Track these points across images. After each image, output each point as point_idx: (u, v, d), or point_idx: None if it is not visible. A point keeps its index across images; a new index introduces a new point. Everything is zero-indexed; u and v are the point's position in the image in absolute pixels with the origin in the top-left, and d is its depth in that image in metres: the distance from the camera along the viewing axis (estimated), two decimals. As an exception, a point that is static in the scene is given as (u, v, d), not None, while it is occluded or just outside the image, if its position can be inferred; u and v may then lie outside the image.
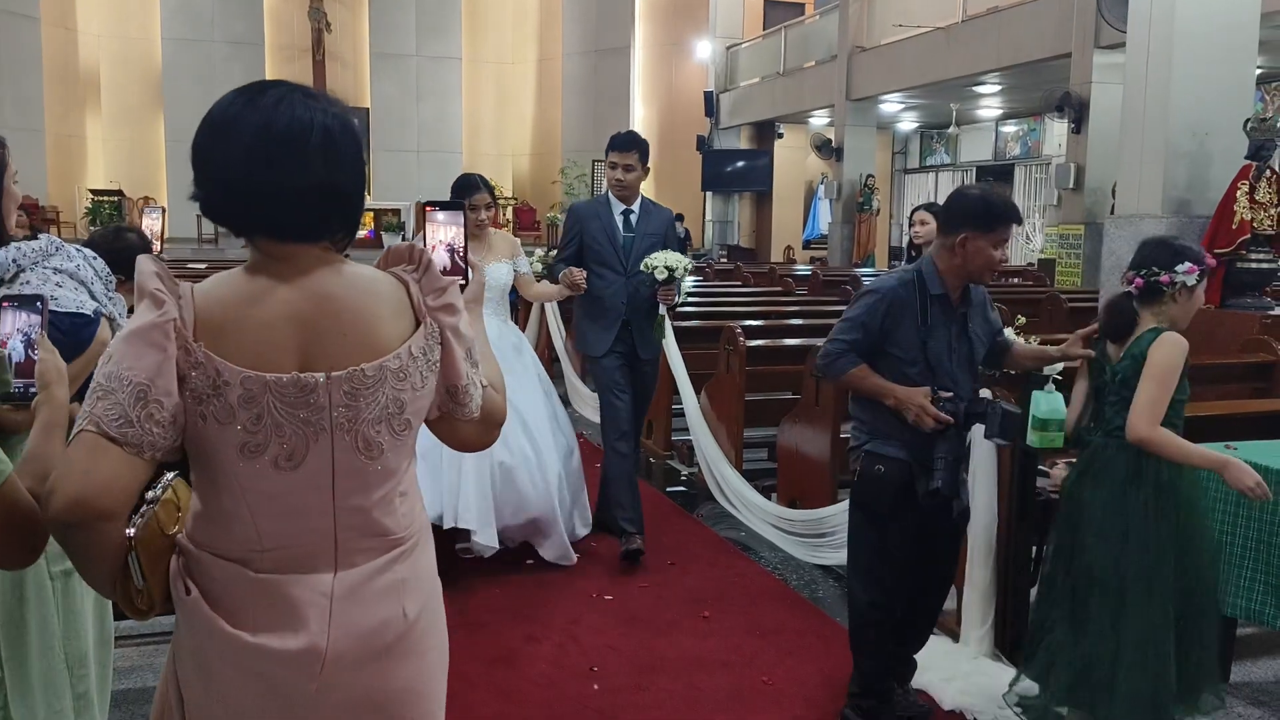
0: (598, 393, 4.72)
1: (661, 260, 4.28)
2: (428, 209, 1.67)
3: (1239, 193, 5.57)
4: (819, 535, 4.44)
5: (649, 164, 4.56)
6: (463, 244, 1.65)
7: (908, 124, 20.51)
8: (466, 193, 4.27)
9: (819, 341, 5.03)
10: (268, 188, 1.34)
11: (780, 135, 20.17)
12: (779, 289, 10.04)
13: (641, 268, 4.33)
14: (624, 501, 4.42)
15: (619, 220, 4.50)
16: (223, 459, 1.34)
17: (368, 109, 20.95)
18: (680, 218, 4.91)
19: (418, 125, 21.92)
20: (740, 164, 20.14)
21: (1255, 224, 5.55)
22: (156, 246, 2.54)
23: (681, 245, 4.50)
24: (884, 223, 19.73)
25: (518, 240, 4.75)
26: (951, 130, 18.59)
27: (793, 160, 20.68)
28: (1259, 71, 7.78)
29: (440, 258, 1.62)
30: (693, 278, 4.22)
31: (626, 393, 4.48)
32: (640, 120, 22.02)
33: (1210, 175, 5.83)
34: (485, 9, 22.92)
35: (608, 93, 21.90)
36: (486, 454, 3.94)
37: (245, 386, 1.32)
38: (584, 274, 4.32)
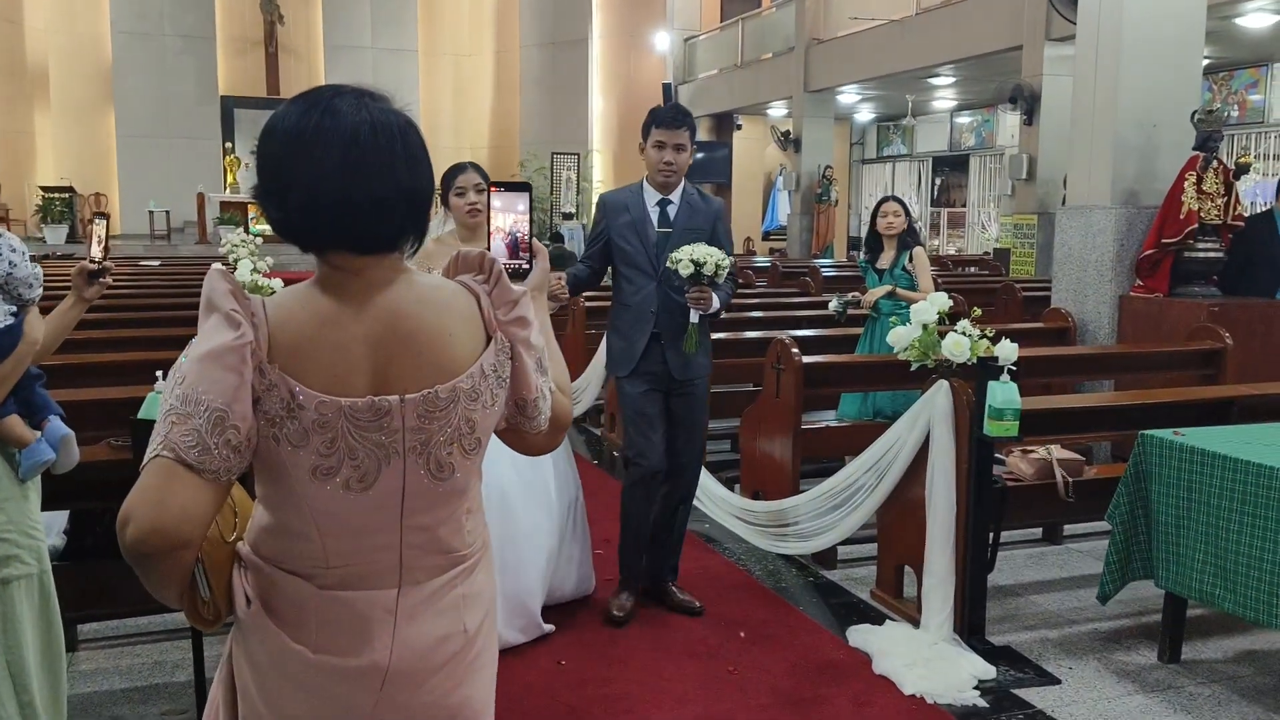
0: (622, 424, 3.97)
1: (687, 254, 3.56)
2: (491, 189, 1.59)
3: (1186, 183, 5.67)
4: (782, 526, 4.49)
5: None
6: (526, 228, 1.58)
7: (865, 115, 20.67)
8: (454, 174, 3.72)
9: (779, 334, 5.12)
10: (358, 197, 1.29)
11: (739, 127, 20.26)
12: (739, 281, 10.09)
13: (668, 264, 3.62)
14: (627, 555, 3.87)
15: (654, 213, 3.78)
16: (293, 480, 1.32)
17: (323, 102, 20.73)
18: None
19: (374, 118, 21.72)
20: (699, 155, 20.02)
21: (1202, 214, 5.66)
22: (100, 254, 2.52)
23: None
24: (843, 213, 19.88)
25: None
26: (907, 121, 18.77)
27: (751, 152, 20.77)
28: (1205, 62, 7.94)
29: (498, 247, 1.56)
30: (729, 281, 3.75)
31: (656, 429, 3.75)
32: (599, 112, 22.02)
33: (1158, 166, 5.94)
34: (441, 1, 22.75)
35: (566, 85, 21.86)
36: None
37: (320, 411, 1.29)
38: (561, 281, 3.63)
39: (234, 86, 20.92)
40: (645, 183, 3.81)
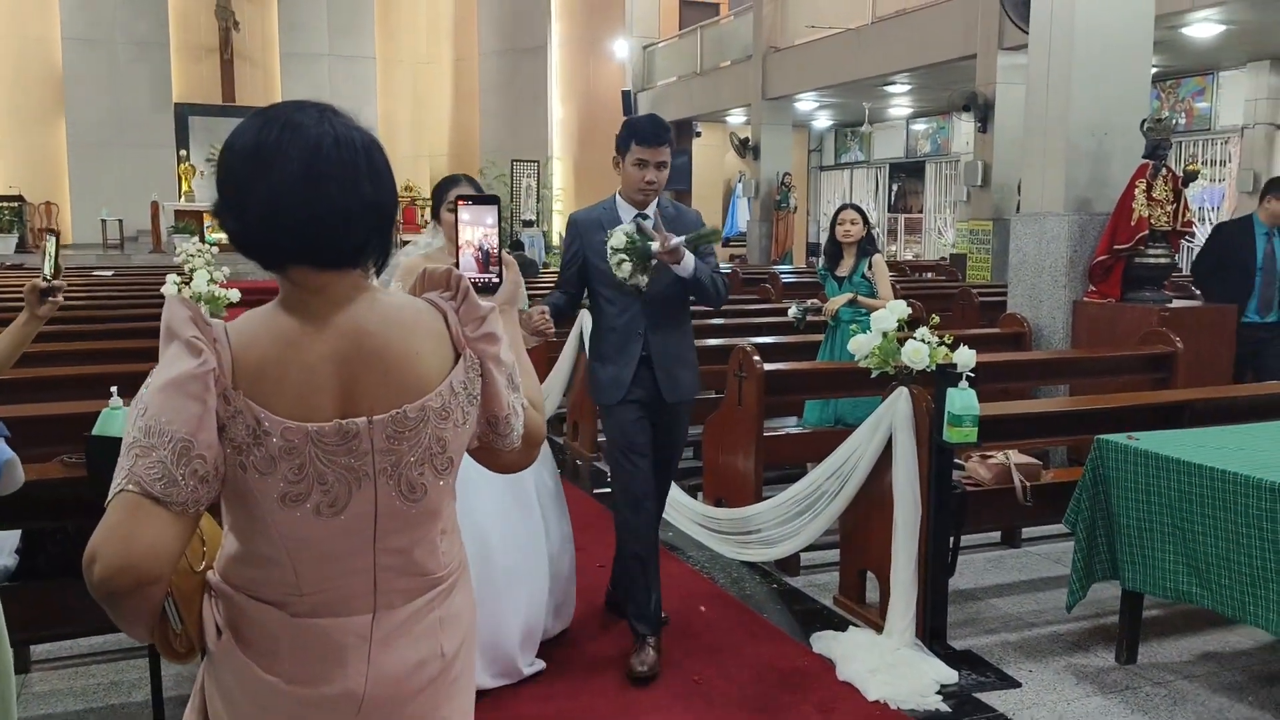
0: (607, 452, 3.75)
1: (622, 237, 3.41)
2: (459, 203, 1.57)
3: (1137, 190, 5.78)
4: (745, 533, 4.51)
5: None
6: (495, 241, 1.56)
7: (823, 122, 20.84)
8: (448, 187, 3.47)
9: (741, 341, 5.14)
10: (320, 212, 1.27)
11: (698, 134, 20.34)
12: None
13: (608, 252, 3.42)
14: (636, 595, 3.55)
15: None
16: (263, 507, 1.29)
17: (279, 110, 20.55)
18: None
19: (332, 126, 21.56)
20: (659, 163, 20.21)
21: (1153, 220, 5.77)
22: (51, 271, 2.50)
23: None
24: (801, 220, 20.03)
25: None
26: (864, 128, 18.95)
27: (711, 159, 20.87)
28: (1153, 71, 8.09)
29: (467, 261, 1.55)
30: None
31: (646, 456, 3.56)
32: (558, 120, 22.02)
33: (1110, 173, 6.05)
34: (399, 8, 22.64)
35: (525, 92, 21.84)
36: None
37: (286, 437, 1.26)
38: (545, 315, 3.36)
39: (188, 94, 20.67)
40: (619, 198, 3.57)
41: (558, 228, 20.24)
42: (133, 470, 1.21)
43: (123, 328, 6.23)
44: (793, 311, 5.76)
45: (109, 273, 12.36)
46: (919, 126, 19.60)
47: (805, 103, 17.81)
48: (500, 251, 1.57)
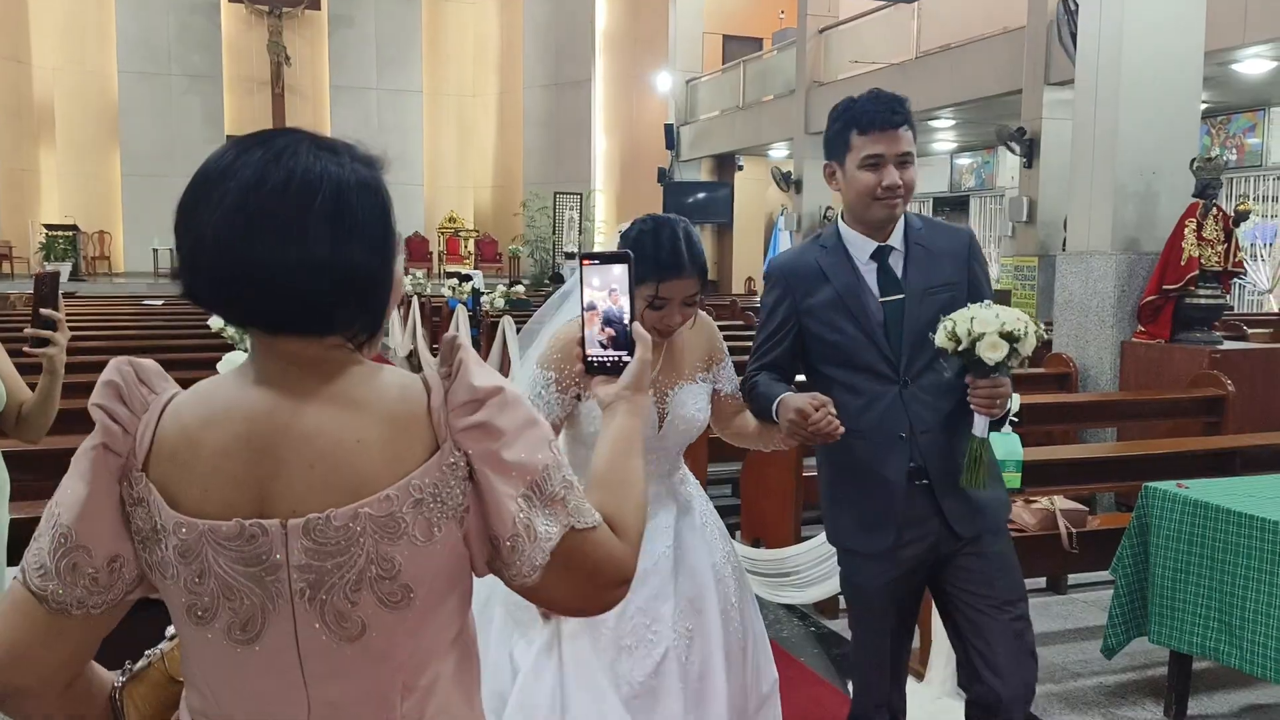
0: (851, 619, 2.53)
1: (967, 320, 2.12)
2: (584, 263, 1.27)
3: (1187, 230, 5.70)
4: (782, 575, 4.45)
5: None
6: (626, 309, 1.24)
7: (865, 156, 20.79)
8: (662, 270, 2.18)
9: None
10: (252, 265, 0.99)
11: (740, 167, 20.39)
12: (740, 322, 10.12)
13: (935, 341, 2.17)
14: None
15: (869, 274, 2.32)
16: (177, 622, 1.05)
17: (328, 142, 21.02)
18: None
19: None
20: (701, 196, 20.30)
21: (1203, 260, 5.68)
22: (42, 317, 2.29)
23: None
24: (843, 253, 19.94)
25: (716, 327, 2.47)
26: (908, 162, 18.82)
27: (753, 192, 20.89)
28: (1203, 107, 8.00)
29: (592, 334, 1.25)
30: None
31: (905, 647, 2.46)
32: (602, 153, 22.20)
33: (1158, 213, 5.97)
34: (445, 42, 23.02)
35: (569, 125, 22.05)
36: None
37: (179, 534, 1.00)
38: (827, 410, 2.12)
39: (240, 126, 21.10)
40: (843, 226, 2.37)
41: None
42: (26, 555, 1.02)
43: (172, 358, 6.33)
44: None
45: (159, 302, 12.61)
46: (963, 160, 19.50)
47: (848, 137, 17.78)
48: (631, 322, 1.24)
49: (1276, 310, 11.40)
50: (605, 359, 1.25)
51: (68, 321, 2.39)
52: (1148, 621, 3.44)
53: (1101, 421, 5.63)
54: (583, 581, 1.07)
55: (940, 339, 2.15)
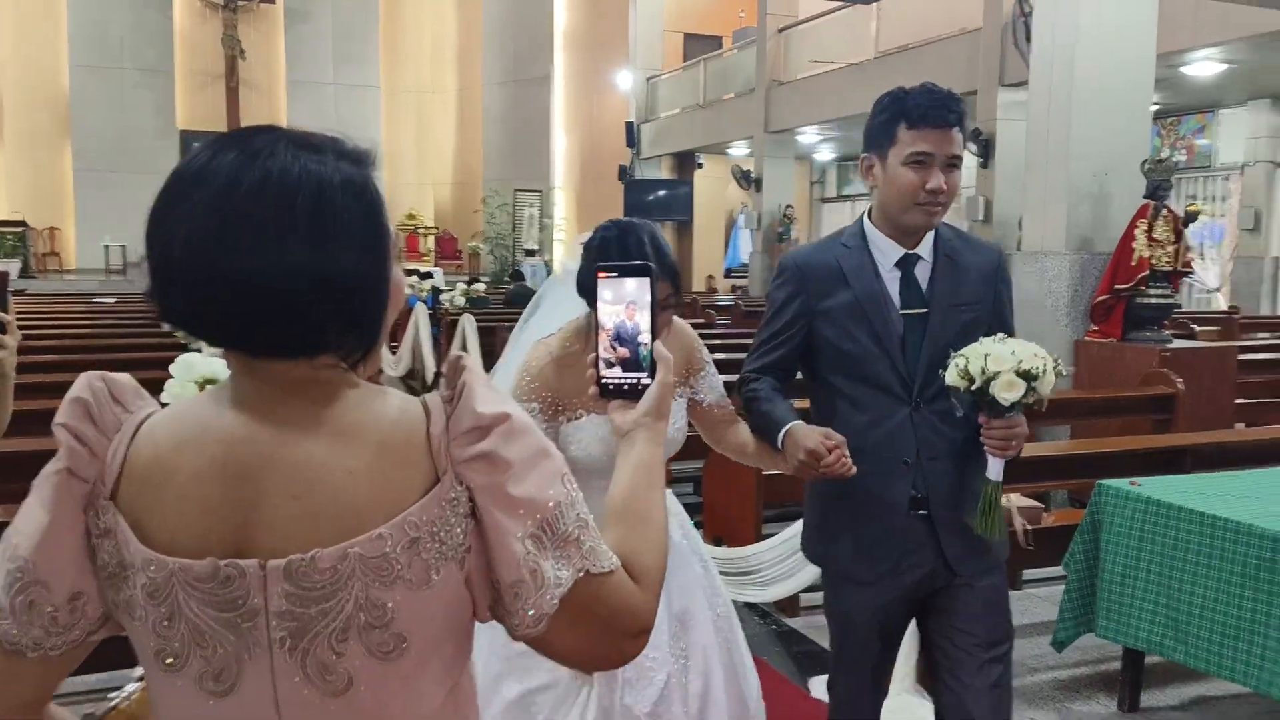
0: (833, 643, 2.40)
1: (981, 358, 1.93)
2: (599, 275, 1.13)
3: (1138, 231, 5.81)
4: (744, 573, 4.47)
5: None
6: (647, 328, 1.11)
7: (825, 155, 20.92)
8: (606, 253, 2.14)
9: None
10: (228, 271, 0.88)
11: (700, 165, 20.44)
12: (701, 320, 10.14)
13: (945, 379, 1.98)
14: None
15: (891, 282, 2.14)
16: (146, 669, 0.95)
17: (284, 138, 20.79)
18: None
19: (336, 154, 21.75)
20: (661, 193, 20.33)
21: (1154, 261, 5.79)
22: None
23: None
24: (803, 251, 20.06)
25: (694, 334, 2.44)
26: (866, 161, 18.96)
27: (713, 190, 20.94)
28: (1154, 108, 8.14)
29: (606, 354, 1.13)
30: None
31: (885, 673, 2.37)
32: (562, 150, 22.14)
33: (1110, 213, 6.08)
34: (403, 38, 22.84)
35: (529, 122, 21.96)
36: None
37: (148, 573, 0.90)
38: (841, 452, 1.98)
39: (194, 120, 20.78)
40: (869, 226, 2.18)
41: (559, 256, 20.31)
42: None
43: (125, 357, 6.22)
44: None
45: (111, 299, 12.39)
46: (920, 160, 19.68)
47: (808, 136, 17.90)
48: (652, 342, 1.11)
49: (1224, 309, 11.64)
50: (623, 381, 1.12)
51: (17, 322, 2.32)
52: (1096, 616, 3.50)
53: (1056, 419, 5.71)
54: (596, 633, 0.95)
55: (951, 377, 1.96)
